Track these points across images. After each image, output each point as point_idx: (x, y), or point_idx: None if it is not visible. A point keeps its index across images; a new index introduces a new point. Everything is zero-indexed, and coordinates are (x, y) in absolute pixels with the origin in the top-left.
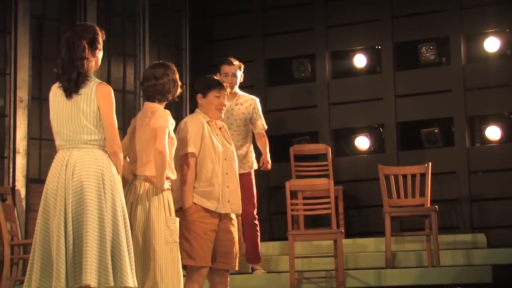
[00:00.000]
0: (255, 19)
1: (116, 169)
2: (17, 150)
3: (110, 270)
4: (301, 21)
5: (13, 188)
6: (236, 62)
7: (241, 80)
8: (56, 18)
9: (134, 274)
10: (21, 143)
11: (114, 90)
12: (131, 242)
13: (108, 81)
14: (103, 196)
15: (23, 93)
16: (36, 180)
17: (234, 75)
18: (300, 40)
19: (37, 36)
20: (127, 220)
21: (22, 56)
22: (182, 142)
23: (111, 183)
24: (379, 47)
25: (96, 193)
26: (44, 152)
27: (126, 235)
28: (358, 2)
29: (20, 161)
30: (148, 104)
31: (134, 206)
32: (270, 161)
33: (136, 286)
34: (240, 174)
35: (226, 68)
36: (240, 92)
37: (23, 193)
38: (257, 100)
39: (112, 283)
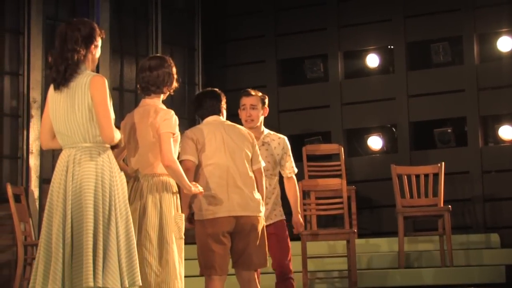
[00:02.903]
0: (267, 19)
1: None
2: (30, 151)
3: (100, 272)
4: (313, 21)
5: (26, 189)
6: (256, 93)
7: (265, 115)
8: (69, 19)
9: (125, 275)
10: (34, 143)
11: (127, 91)
12: (132, 241)
13: (121, 81)
14: (100, 198)
15: (36, 94)
16: (49, 180)
17: (254, 108)
18: (313, 40)
19: (50, 37)
20: (130, 219)
21: (35, 57)
22: (257, 156)
23: (110, 183)
24: (392, 47)
25: (93, 196)
26: (57, 152)
27: (126, 234)
28: (370, 2)
29: (33, 161)
30: (146, 101)
31: (143, 203)
32: (302, 222)
33: (127, 286)
34: (269, 225)
35: (243, 100)
36: (266, 131)
37: (36, 193)
38: (286, 138)
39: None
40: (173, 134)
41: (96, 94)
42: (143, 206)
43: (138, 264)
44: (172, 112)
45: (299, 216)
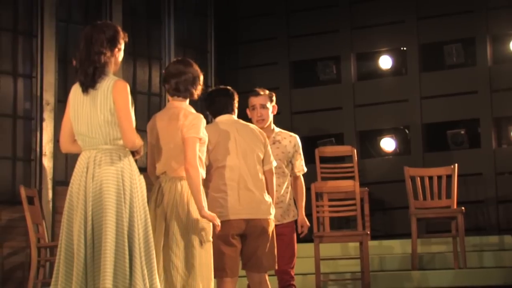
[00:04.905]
0: (279, 21)
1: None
2: (43, 153)
3: (128, 274)
4: (326, 23)
5: (39, 191)
6: (264, 92)
7: (274, 112)
8: (82, 21)
9: (146, 277)
10: (47, 145)
11: (140, 93)
12: (151, 245)
13: (134, 84)
14: (122, 199)
15: (49, 96)
16: (62, 182)
17: (263, 107)
18: (325, 41)
19: (63, 39)
20: (149, 223)
21: (48, 59)
22: (269, 157)
23: (131, 187)
24: (405, 48)
25: (115, 197)
26: (70, 154)
27: (145, 237)
28: (383, 4)
29: (47, 163)
30: (174, 104)
31: (170, 206)
32: (308, 222)
33: None
34: (281, 225)
35: (253, 100)
36: (277, 129)
37: (49, 195)
38: (297, 137)
39: (128, 286)
40: (200, 139)
41: (119, 98)
42: (170, 209)
43: (156, 268)
44: (201, 116)
45: (304, 216)
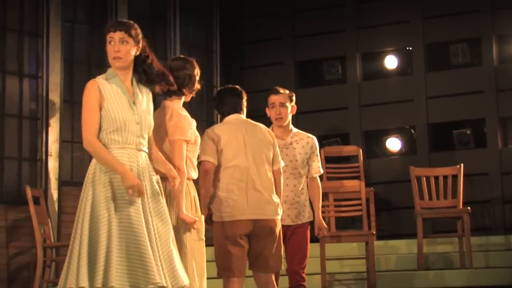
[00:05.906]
0: (285, 21)
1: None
2: (49, 153)
3: (65, 272)
4: (331, 23)
5: (45, 191)
6: (284, 91)
7: (293, 112)
8: (87, 21)
9: (96, 274)
10: (53, 146)
11: None
12: (100, 240)
13: None
14: (81, 203)
15: (55, 96)
16: (68, 182)
17: (282, 105)
18: (331, 41)
19: (68, 39)
20: (104, 216)
21: (54, 60)
22: (277, 157)
23: (88, 188)
24: (410, 48)
25: (82, 196)
26: (76, 154)
27: (91, 234)
28: (388, 4)
29: (52, 164)
30: (167, 103)
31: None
32: (325, 224)
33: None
34: (295, 225)
35: (272, 98)
36: (295, 130)
37: (55, 195)
38: (315, 138)
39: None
40: (187, 141)
41: (83, 99)
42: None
43: (113, 265)
44: (187, 117)
45: (321, 217)
